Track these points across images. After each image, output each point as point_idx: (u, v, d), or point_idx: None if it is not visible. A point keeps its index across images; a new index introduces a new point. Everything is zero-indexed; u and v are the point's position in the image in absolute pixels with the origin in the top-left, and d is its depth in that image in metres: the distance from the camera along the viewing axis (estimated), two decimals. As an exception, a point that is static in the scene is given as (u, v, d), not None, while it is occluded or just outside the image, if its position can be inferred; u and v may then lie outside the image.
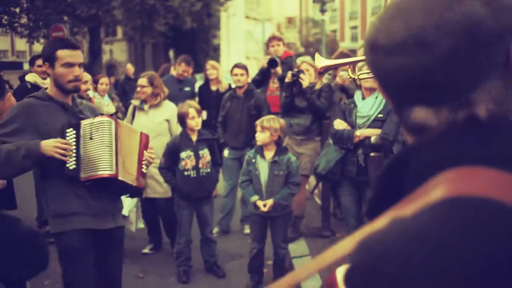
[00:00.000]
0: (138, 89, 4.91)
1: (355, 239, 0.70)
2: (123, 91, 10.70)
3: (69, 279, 2.96)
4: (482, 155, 0.68)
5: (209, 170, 4.47)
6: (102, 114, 3.04)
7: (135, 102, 5.04)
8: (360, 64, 3.33)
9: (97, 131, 2.87)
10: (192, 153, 4.41)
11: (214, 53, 30.38)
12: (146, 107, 4.91)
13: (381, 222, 0.68)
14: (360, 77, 3.39)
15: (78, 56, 2.95)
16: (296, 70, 5.11)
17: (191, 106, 4.46)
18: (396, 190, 0.73)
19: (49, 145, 2.74)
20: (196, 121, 4.42)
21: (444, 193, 0.66)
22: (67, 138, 2.84)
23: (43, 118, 2.87)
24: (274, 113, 5.07)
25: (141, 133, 3.20)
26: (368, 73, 3.31)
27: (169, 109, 4.97)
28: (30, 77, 5.74)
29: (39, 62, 5.83)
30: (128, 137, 3.05)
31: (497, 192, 0.64)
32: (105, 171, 2.85)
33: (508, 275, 0.59)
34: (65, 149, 2.77)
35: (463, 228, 0.61)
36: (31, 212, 5.73)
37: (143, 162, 3.12)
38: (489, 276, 0.59)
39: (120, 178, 2.90)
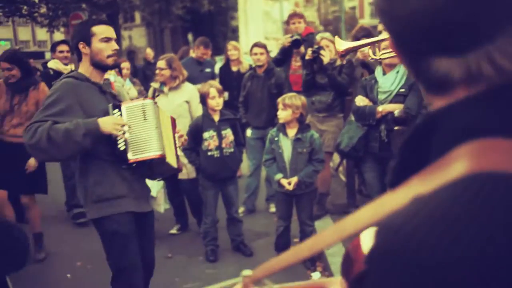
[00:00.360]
0: (157, 71, 4.94)
1: (376, 208, 0.68)
2: (144, 76, 10.74)
3: (119, 264, 2.91)
4: (508, 125, 0.63)
5: (232, 150, 4.48)
6: (144, 97, 3.02)
7: (154, 85, 5.06)
8: (383, 44, 3.26)
9: (142, 113, 2.82)
10: (214, 133, 4.42)
11: (233, 34, 30.25)
12: (165, 89, 4.93)
13: (401, 195, 0.65)
14: (381, 57, 3.34)
15: (112, 31, 2.94)
16: (316, 46, 5.05)
17: (212, 86, 4.46)
18: (421, 158, 0.68)
19: (108, 122, 2.69)
20: (217, 101, 4.42)
21: (467, 168, 0.62)
22: None
23: (87, 98, 2.82)
24: (296, 92, 5.03)
25: (170, 116, 3.19)
26: (389, 52, 3.25)
27: (188, 91, 4.98)
28: (52, 64, 5.80)
29: (61, 48, 5.87)
30: (165, 119, 3.03)
31: None
32: (155, 152, 2.80)
33: None
34: (122, 127, 2.73)
35: (486, 208, 0.58)
36: (60, 197, 5.85)
37: (177, 145, 3.13)
38: None
39: (167, 160, 2.87)
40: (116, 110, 2.81)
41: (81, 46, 2.89)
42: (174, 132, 3.12)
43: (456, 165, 0.63)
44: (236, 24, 32.65)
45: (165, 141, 2.89)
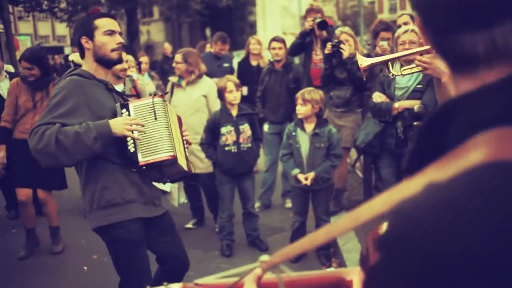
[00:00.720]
0: (174, 64, 4.94)
1: (391, 196, 0.67)
2: (162, 70, 10.78)
3: (127, 271, 2.80)
4: None
5: (249, 145, 4.46)
6: (154, 95, 2.79)
7: (173, 79, 5.06)
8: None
9: (151, 112, 2.67)
10: (232, 128, 4.41)
11: (251, 30, 30.21)
12: (183, 83, 4.92)
13: (417, 183, 0.64)
14: (403, 73, 3.30)
15: (116, 24, 2.79)
16: (336, 41, 4.99)
17: (230, 80, 4.45)
18: (438, 146, 0.67)
19: (118, 123, 2.55)
20: (234, 95, 4.40)
21: (484, 156, 0.60)
22: None
23: (94, 97, 2.66)
24: (316, 87, 4.99)
25: (177, 115, 3.06)
26: (411, 68, 3.21)
27: (206, 85, 4.96)
28: (74, 56, 5.82)
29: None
30: (174, 118, 2.89)
31: None
32: (166, 153, 2.63)
33: None
34: (135, 127, 2.58)
35: (497, 197, 0.56)
36: (76, 191, 5.88)
37: (185, 145, 3.00)
38: None
39: (178, 161, 2.72)
40: (124, 110, 2.67)
41: (83, 40, 2.74)
42: (181, 132, 2.97)
43: (473, 154, 0.61)
44: (254, 19, 32.55)
45: (176, 142, 2.75)
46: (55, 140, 2.45)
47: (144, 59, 6.95)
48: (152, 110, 2.67)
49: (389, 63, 3.20)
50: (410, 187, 0.65)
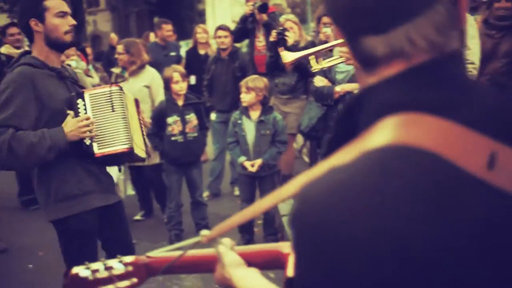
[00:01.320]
0: (116, 55, 4.86)
1: (301, 179, 0.72)
2: (108, 61, 10.55)
3: (78, 263, 2.80)
4: (428, 100, 0.67)
5: (196, 134, 4.44)
6: (111, 84, 2.73)
7: (115, 70, 5.01)
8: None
9: (108, 102, 2.60)
10: (178, 118, 4.38)
11: (200, 18, 29.96)
12: (126, 74, 4.86)
13: (323, 166, 0.69)
14: (326, 65, 3.33)
15: (66, 5, 2.64)
16: (280, 28, 5.02)
17: (176, 71, 4.41)
18: (352, 132, 0.73)
19: (73, 128, 2.49)
20: (180, 85, 4.36)
21: (383, 140, 0.65)
22: (79, 111, 2.56)
23: (46, 90, 2.53)
24: (261, 74, 5.01)
25: (134, 98, 3.01)
26: (334, 60, 3.25)
27: (149, 75, 4.91)
28: (4, 49, 5.58)
29: (11, 30, 5.57)
30: (130, 104, 2.82)
31: (438, 145, 0.64)
32: (123, 145, 2.61)
33: (435, 235, 0.60)
34: (88, 126, 2.52)
35: (397, 181, 0.61)
36: (12, 189, 5.76)
37: (143, 129, 2.95)
38: (419, 234, 0.59)
39: (135, 151, 2.69)
40: (80, 100, 2.57)
41: (33, 23, 2.57)
42: (139, 115, 2.93)
43: (376, 137, 0.67)
44: (203, 8, 32.33)
45: (133, 130, 2.71)
46: (8, 148, 2.37)
47: (88, 50, 6.77)
48: (109, 100, 2.60)
49: (311, 57, 3.21)
50: (316, 171, 0.70)
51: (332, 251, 0.61)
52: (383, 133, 0.66)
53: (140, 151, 2.78)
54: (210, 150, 5.95)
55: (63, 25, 2.59)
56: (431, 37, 0.68)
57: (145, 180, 5.08)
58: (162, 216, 5.02)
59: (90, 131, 2.52)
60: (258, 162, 4.10)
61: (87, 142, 2.57)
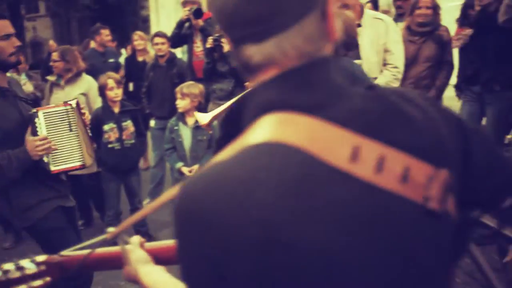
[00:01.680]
0: (51, 63, 4.82)
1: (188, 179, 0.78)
2: (46, 69, 10.30)
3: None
4: (299, 100, 0.74)
5: (133, 141, 4.45)
6: (65, 102, 2.89)
7: (51, 78, 4.93)
8: None
9: (62, 121, 2.79)
10: (115, 126, 4.37)
11: (144, 24, 29.61)
12: (62, 82, 4.81)
13: (208, 164, 0.75)
14: None
15: (10, 26, 2.67)
16: (216, 35, 5.11)
17: (110, 77, 4.41)
18: (237, 131, 0.78)
19: (33, 148, 2.60)
20: (115, 92, 4.36)
21: (259, 138, 0.72)
22: (37, 129, 2.67)
23: None
24: (199, 79, 5.06)
25: (76, 100, 3.01)
26: None
27: (85, 83, 4.88)
28: None
29: None
30: (78, 118, 2.92)
31: (305, 141, 0.71)
32: (76, 163, 2.88)
33: (299, 222, 0.66)
34: (46, 146, 2.66)
35: (265, 174, 0.68)
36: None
37: (88, 133, 3.02)
38: (283, 221, 0.66)
39: (86, 166, 2.97)
40: (37, 119, 2.68)
41: None
42: (84, 120, 2.96)
43: (253, 135, 0.73)
44: (147, 14, 31.95)
45: (83, 143, 2.90)
46: None
47: (21, 58, 6.60)
48: (64, 118, 2.80)
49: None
50: (200, 169, 0.76)
51: (208, 240, 0.66)
52: (260, 131, 0.72)
53: (88, 158, 2.95)
54: (152, 157, 5.94)
55: (8, 47, 2.63)
56: (300, 46, 0.75)
57: (83, 188, 5.04)
58: (102, 224, 4.99)
59: (47, 149, 2.66)
60: (196, 168, 4.16)
61: (45, 159, 2.73)
